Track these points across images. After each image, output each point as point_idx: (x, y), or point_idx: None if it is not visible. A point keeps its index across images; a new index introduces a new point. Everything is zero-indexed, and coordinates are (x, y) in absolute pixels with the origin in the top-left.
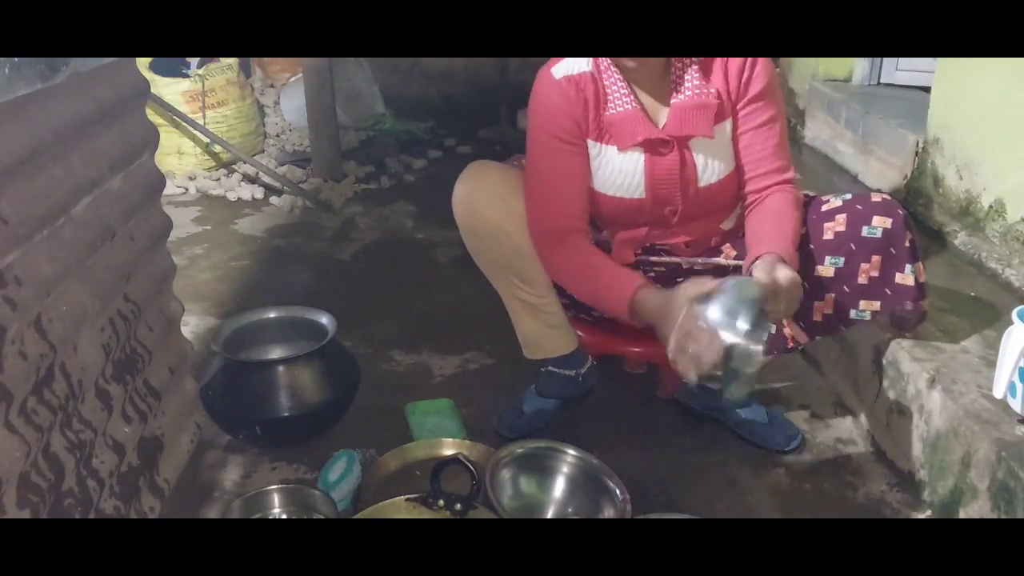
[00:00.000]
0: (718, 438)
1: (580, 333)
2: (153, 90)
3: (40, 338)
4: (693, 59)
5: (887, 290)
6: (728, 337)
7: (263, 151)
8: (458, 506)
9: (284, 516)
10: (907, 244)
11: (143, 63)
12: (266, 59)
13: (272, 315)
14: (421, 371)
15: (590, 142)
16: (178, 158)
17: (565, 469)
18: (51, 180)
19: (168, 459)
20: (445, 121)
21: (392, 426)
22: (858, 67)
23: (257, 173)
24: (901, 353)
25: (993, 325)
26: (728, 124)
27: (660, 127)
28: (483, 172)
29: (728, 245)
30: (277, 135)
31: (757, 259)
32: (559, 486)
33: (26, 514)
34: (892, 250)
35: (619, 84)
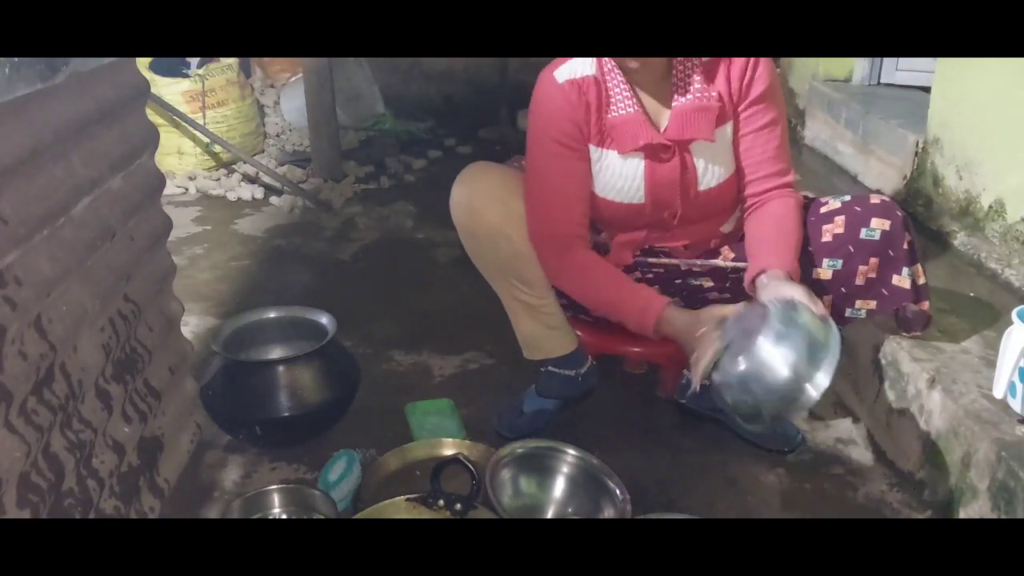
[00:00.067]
0: (718, 438)
1: (579, 333)
2: (153, 90)
3: (40, 338)
4: (695, 61)
5: (884, 291)
6: (804, 380)
7: (263, 151)
8: (458, 506)
9: (284, 516)
10: (905, 246)
11: (143, 63)
12: (266, 59)
13: (272, 315)
14: (421, 371)
15: (591, 147)
16: (178, 158)
17: (565, 469)
18: (51, 180)
19: (168, 459)
20: (445, 121)
21: (392, 426)
22: (858, 67)
23: (257, 173)
24: (901, 353)
25: (993, 325)
26: (729, 127)
27: (662, 130)
28: (482, 173)
29: (727, 247)
30: (277, 135)
31: (761, 273)
32: (559, 486)
33: (26, 514)
34: (890, 252)
35: (622, 87)
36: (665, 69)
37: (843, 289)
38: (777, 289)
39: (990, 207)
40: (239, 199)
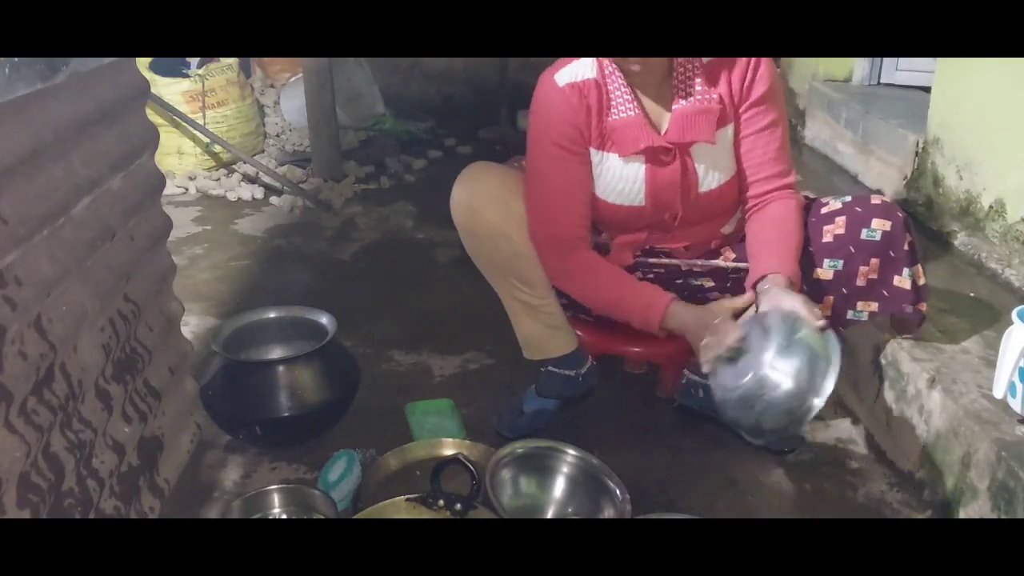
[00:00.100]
0: (718, 438)
1: (580, 333)
2: (153, 90)
3: (40, 338)
4: (696, 63)
5: (885, 292)
6: (807, 395)
7: (263, 151)
8: (458, 506)
9: (284, 516)
10: (906, 247)
11: (143, 63)
12: (266, 59)
13: (272, 315)
14: (421, 371)
15: (592, 150)
16: (178, 158)
17: (565, 469)
18: (51, 180)
19: (168, 459)
20: (445, 121)
21: (392, 426)
22: (858, 67)
23: (257, 173)
24: (901, 353)
25: (993, 325)
26: (730, 129)
27: (662, 132)
28: (482, 174)
29: (728, 248)
30: (277, 135)
31: (762, 278)
32: (559, 486)
33: (26, 514)
34: (891, 253)
35: (623, 89)
36: (666, 71)
37: (844, 290)
38: (777, 299)
39: (990, 207)
40: (239, 199)
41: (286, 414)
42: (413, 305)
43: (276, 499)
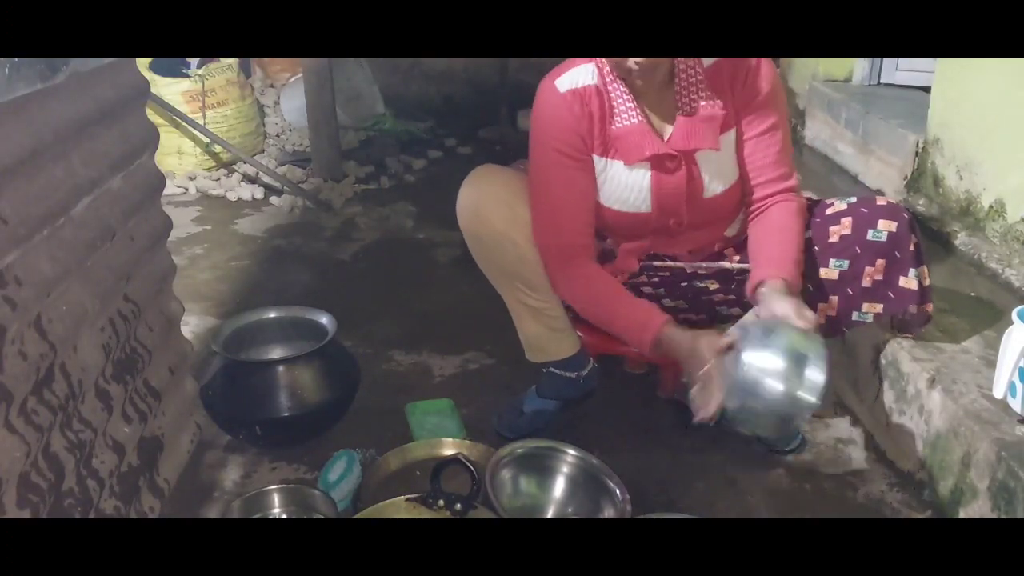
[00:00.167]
0: (718, 438)
1: (580, 333)
2: (153, 90)
3: (40, 338)
4: (698, 69)
5: (890, 293)
6: (795, 389)
7: (263, 151)
8: (458, 506)
9: (284, 516)
10: (911, 248)
11: (143, 63)
12: (266, 59)
13: (272, 315)
14: (421, 371)
15: (595, 157)
16: (178, 158)
17: (565, 469)
18: (51, 180)
19: (168, 459)
20: (445, 121)
21: (392, 426)
22: (858, 67)
23: (257, 173)
24: (901, 353)
25: (993, 325)
26: (733, 133)
27: (666, 139)
28: (488, 177)
29: (731, 249)
30: (277, 135)
31: (761, 284)
32: (559, 486)
33: (26, 514)
34: (896, 254)
35: (624, 97)
36: (667, 77)
37: (849, 290)
38: (769, 304)
39: (990, 207)
40: (239, 199)
41: (286, 414)
42: (413, 305)
43: (276, 499)
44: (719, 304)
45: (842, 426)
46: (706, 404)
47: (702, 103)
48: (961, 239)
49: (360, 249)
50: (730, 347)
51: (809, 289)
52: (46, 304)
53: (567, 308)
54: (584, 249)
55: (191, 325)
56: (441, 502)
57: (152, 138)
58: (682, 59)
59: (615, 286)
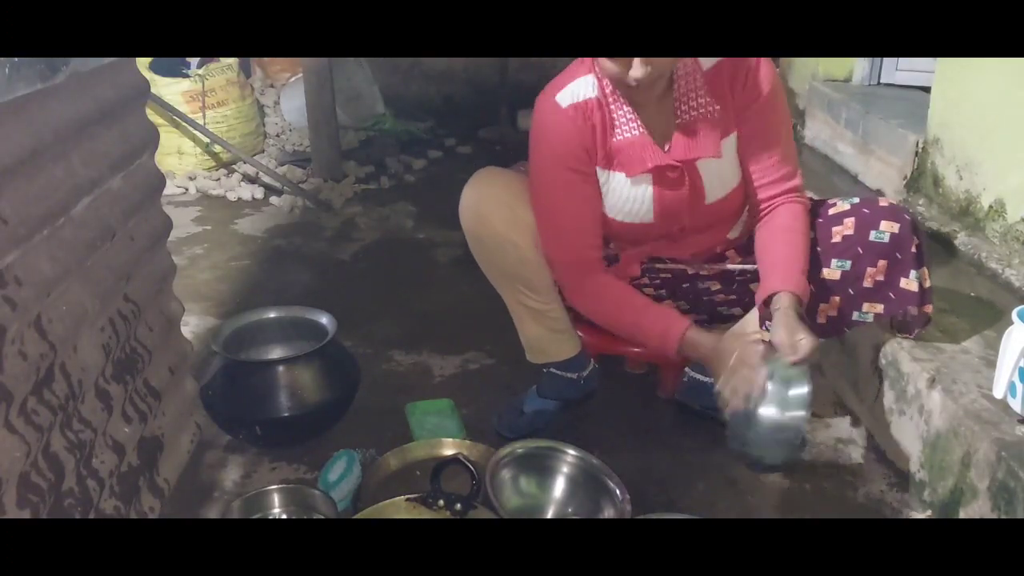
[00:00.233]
0: (718, 438)
1: (580, 334)
2: (153, 90)
3: (40, 338)
4: (696, 76)
5: (891, 294)
6: (786, 423)
7: (263, 151)
8: (458, 506)
9: (284, 516)
10: (913, 249)
11: (143, 63)
12: (266, 59)
13: (272, 315)
14: (421, 371)
15: (598, 169)
16: (178, 158)
17: (565, 469)
18: (51, 180)
19: (168, 459)
20: (445, 121)
21: (392, 426)
22: (858, 67)
23: (257, 173)
24: (901, 353)
25: (993, 325)
26: (733, 137)
27: (667, 149)
28: (491, 179)
29: (733, 251)
30: (277, 135)
31: (772, 296)
32: (559, 486)
33: (26, 514)
34: (898, 255)
35: (625, 109)
36: (666, 87)
37: (851, 291)
38: (773, 329)
39: (990, 207)
40: (239, 199)
41: (286, 414)
42: (413, 305)
43: (276, 499)
44: (720, 304)
45: (842, 426)
46: (736, 396)
47: (701, 111)
48: (961, 239)
49: (360, 249)
50: (763, 343)
51: (811, 289)
52: (46, 304)
53: (567, 309)
54: (596, 262)
55: (191, 325)
56: (441, 502)
57: (152, 138)
58: (681, 66)
59: (630, 293)
